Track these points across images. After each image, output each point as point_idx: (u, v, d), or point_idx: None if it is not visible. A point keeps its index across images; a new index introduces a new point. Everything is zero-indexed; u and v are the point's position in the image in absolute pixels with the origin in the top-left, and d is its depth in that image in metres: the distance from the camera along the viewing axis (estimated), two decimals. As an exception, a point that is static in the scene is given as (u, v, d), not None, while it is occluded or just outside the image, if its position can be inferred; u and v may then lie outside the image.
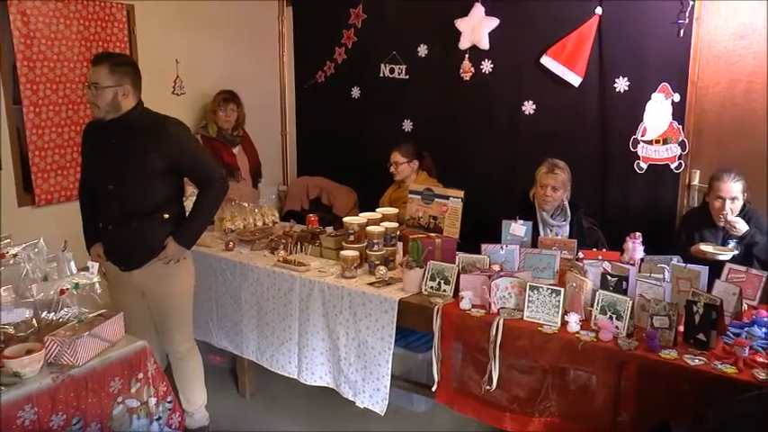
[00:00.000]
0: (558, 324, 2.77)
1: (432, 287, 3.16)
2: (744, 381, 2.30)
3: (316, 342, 3.43)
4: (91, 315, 2.58)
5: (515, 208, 3.74)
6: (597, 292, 2.77)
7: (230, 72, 5.17)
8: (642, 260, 3.13)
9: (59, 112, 4.15)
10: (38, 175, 4.08)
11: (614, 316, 2.67)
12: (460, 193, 3.55)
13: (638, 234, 3.20)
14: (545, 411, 2.79)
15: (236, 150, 4.85)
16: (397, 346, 3.23)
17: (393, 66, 5.20)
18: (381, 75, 5.27)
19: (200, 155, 3.20)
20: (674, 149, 4.13)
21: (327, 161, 5.72)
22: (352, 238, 3.54)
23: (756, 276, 2.87)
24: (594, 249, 3.34)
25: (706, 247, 3.33)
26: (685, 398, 2.42)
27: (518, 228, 3.50)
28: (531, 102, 4.61)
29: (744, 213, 3.47)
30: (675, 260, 3.01)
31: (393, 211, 3.86)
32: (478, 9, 4.66)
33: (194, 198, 3.20)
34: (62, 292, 2.55)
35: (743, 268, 2.91)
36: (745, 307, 2.77)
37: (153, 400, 2.64)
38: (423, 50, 5.05)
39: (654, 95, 4.13)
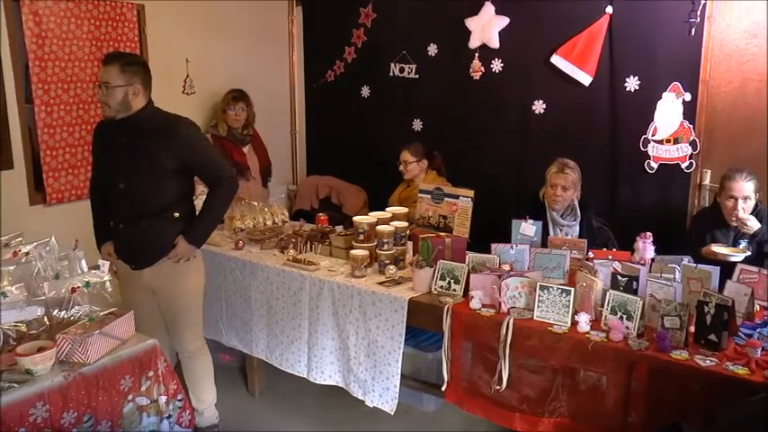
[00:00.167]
0: (569, 324, 2.76)
1: (442, 286, 3.16)
2: (756, 382, 2.28)
3: (325, 341, 3.43)
4: (102, 313, 2.60)
5: (525, 207, 3.73)
6: (607, 292, 2.76)
7: (240, 71, 5.18)
8: (653, 260, 3.12)
9: (70, 112, 4.17)
10: (49, 174, 4.11)
11: (625, 316, 2.66)
12: (470, 193, 3.55)
13: (648, 234, 3.19)
14: (555, 411, 2.78)
15: (246, 149, 4.86)
16: (407, 346, 3.22)
17: (403, 65, 5.20)
18: (391, 74, 5.27)
19: (210, 154, 3.21)
20: (685, 149, 4.11)
21: (337, 160, 5.72)
22: (361, 237, 3.54)
23: (768, 277, 2.85)
24: (605, 249, 3.33)
25: (718, 249, 3.31)
26: (696, 398, 2.41)
27: (528, 227, 3.49)
28: (541, 101, 4.60)
29: (756, 213, 3.44)
30: (686, 260, 2.99)
31: (403, 210, 3.85)
32: (489, 8, 4.65)
33: (204, 197, 3.21)
34: (73, 290, 2.57)
35: (755, 269, 2.88)
36: (756, 308, 2.74)
37: (163, 399, 2.65)
38: (433, 50, 5.05)
39: (665, 95, 4.11)
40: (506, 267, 3.14)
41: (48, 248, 2.68)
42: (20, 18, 3.86)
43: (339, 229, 4.01)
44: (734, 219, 3.43)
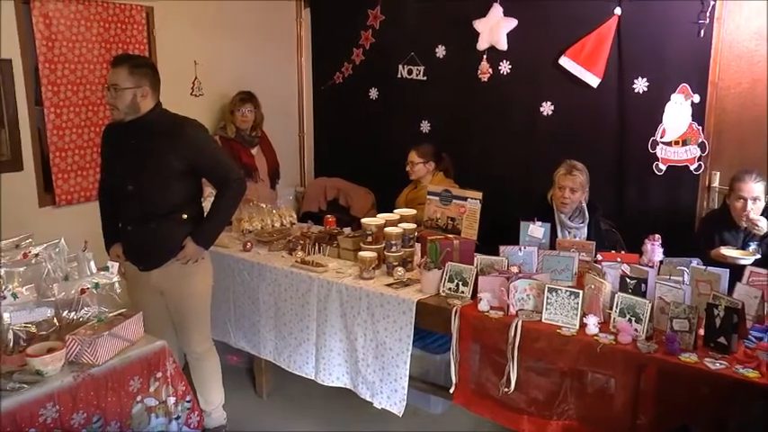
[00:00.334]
0: (577, 326, 2.76)
1: (450, 288, 3.16)
2: (767, 385, 2.27)
3: (333, 343, 3.43)
4: (111, 314, 2.61)
5: (533, 209, 3.73)
6: (616, 295, 2.76)
7: (248, 73, 5.19)
8: (661, 262, 3.11)
9: (80, 114, 4.19)
10: (58, 176, 4.13)
11: (633, 318, 2.65)
12: (479, 195, 3.54)
13: (657, 236, 3.18)
14: (563, 414, 2.77)
15: (254, 151, 4.88)
16: (415, 348, 3.22)
17: (411, 67, 5.20)
18: (399, 76, 5.26)
19: (218, 156, 3.22)
20: (694, 151, 4.09)
21: (345, 162, 5.72)
22: (370, 239, 3.54)
23: (779, 279, 2.83)
24: (613, 251, 3.32)
25: (727, 251, 3.30)
26: (705, 402, 2.40)
27: (536, 229, 3.48)
28: (549, 103, 4.59)
29: (766, 214, 3.42)
30: (695, 262, 2.98)
31: (411, 212, 3.85)
32: (497, 10, 4.64)
33: (213, 199, 3.22)
34: (83, 291, 2.57)
35: (764, 271, 2.86)
36: (767, 310, 2.73)
37: (172, 400, 2.66)
38: (441, 51, 5.04)
39: (673, 96, 4.09)
40: (515, 269, 3.14)
41: (57, 250, 2.69)
42: (30, 20, 3.88)
43: (347, 230, 4.01)
44: (744, 220, 3.41)
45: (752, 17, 3.88)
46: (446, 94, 5.07)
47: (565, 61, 4.41)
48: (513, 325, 2.80)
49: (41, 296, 2.53)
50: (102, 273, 2.69)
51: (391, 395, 3.25)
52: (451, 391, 3.10)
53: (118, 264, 2.84)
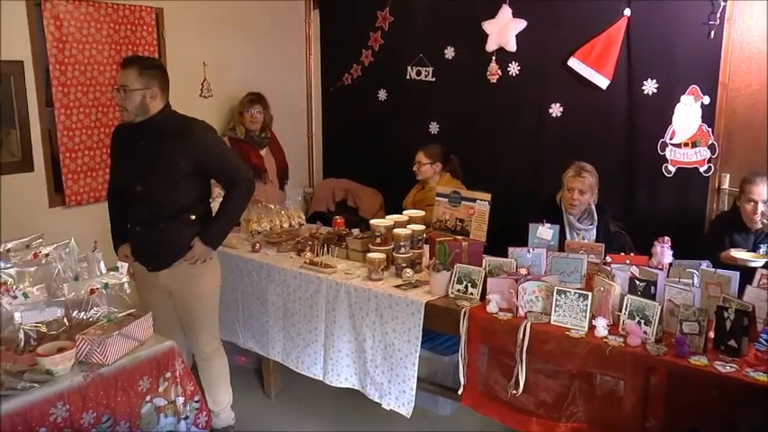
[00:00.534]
0: (586, 328, 2.75)
1: (458, 290, 3.15)
2: (777, 388, 2.26)
3: (342, 344, 3.43)
4: (120, 315, 2.61)
5: (542, 211, 3.71)
6: (625, 297, 2.75)
7: (257, 74, 5.21)
8: (671, 265, 3.09)
9: (89, 115, 4.22)
10: (68, 177, 4.15)
11: (642, 321, 2.64)
12: (487, 196, 3.54)
13: (666, 238, 3.17)
14: (572, 416, 2.77)
15: (263, 152, 4.89)
16: (424, 349, 3.22)
17: (420, 68, 5.20)
18: (408, 77, 5.26)
19: (226, 157, 3.23)
20: (704, 153, 4.07)
21: (353, 163, 5.73)
22: (378, 240, 3.53)
23: (790, 282, 2.81)
24: (622, 253, 3.30)
25: (738, 254, 3.29)
26: (715, 405, 2.39)
27: (545, 231, 3.47)
28: (558, 104, 4.58)
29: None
30: (705, 265, 2.96)
31: (420, 213, 3.84)
32: (506, 11, 4.64)
33: (221, 199, 3.23)
34: (92, 291, 2.58)
35: (775, 273, 2.86)
36: (777, 313, 2.72)
37: (180, 399, 2.67)
38: (449, 53, 5.04)
39: (683, 98, 4.07)
40: (523, 271, 3.13)
41: (67, 250, 2.70)
42: (41, 22, 3.90)
43: (356, 231, 4.00)
44: (755, 223, 3.39)
45: (762, 18, 3.85)
46: (455, 95, 5.07)
47: (574, 62, 4.41)
48: (522, 327, 2.79)
49: (52, 296, 2.54)
50: (112, 273, 2.70)
51: (399, 396, 3.25)
52: (460, 392, 3.09)
53: (127, 264, 2.84)
